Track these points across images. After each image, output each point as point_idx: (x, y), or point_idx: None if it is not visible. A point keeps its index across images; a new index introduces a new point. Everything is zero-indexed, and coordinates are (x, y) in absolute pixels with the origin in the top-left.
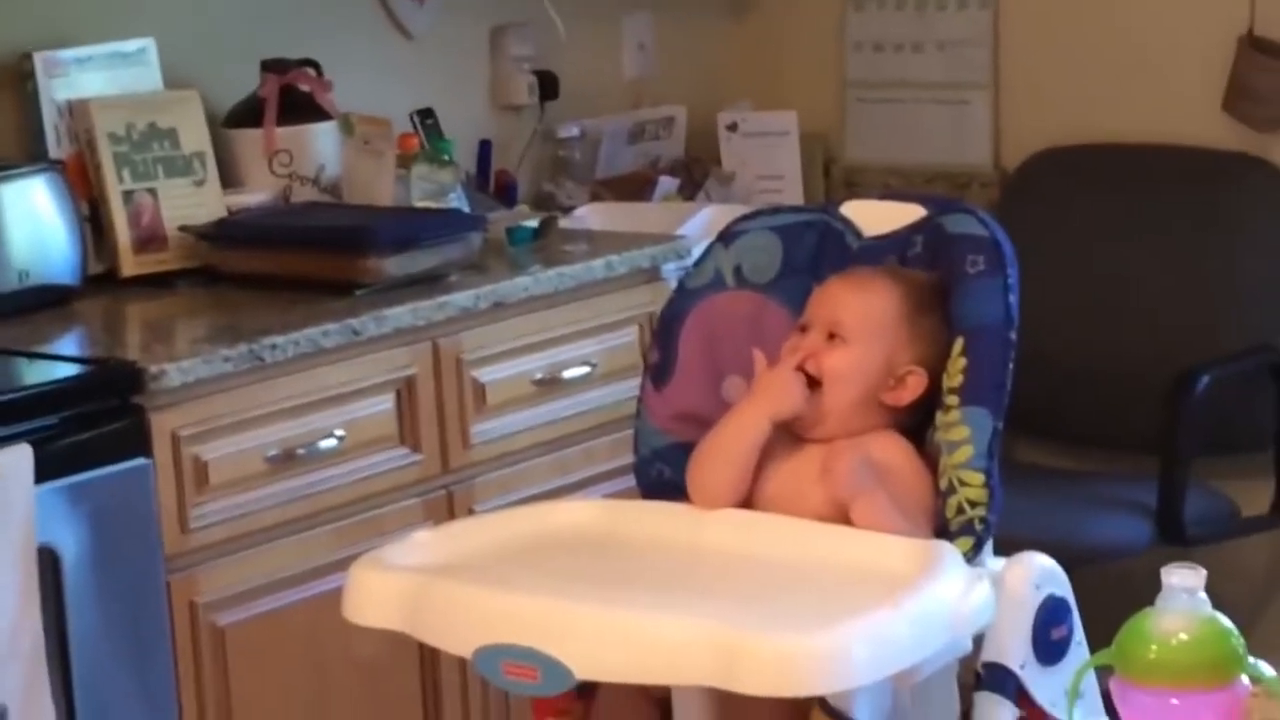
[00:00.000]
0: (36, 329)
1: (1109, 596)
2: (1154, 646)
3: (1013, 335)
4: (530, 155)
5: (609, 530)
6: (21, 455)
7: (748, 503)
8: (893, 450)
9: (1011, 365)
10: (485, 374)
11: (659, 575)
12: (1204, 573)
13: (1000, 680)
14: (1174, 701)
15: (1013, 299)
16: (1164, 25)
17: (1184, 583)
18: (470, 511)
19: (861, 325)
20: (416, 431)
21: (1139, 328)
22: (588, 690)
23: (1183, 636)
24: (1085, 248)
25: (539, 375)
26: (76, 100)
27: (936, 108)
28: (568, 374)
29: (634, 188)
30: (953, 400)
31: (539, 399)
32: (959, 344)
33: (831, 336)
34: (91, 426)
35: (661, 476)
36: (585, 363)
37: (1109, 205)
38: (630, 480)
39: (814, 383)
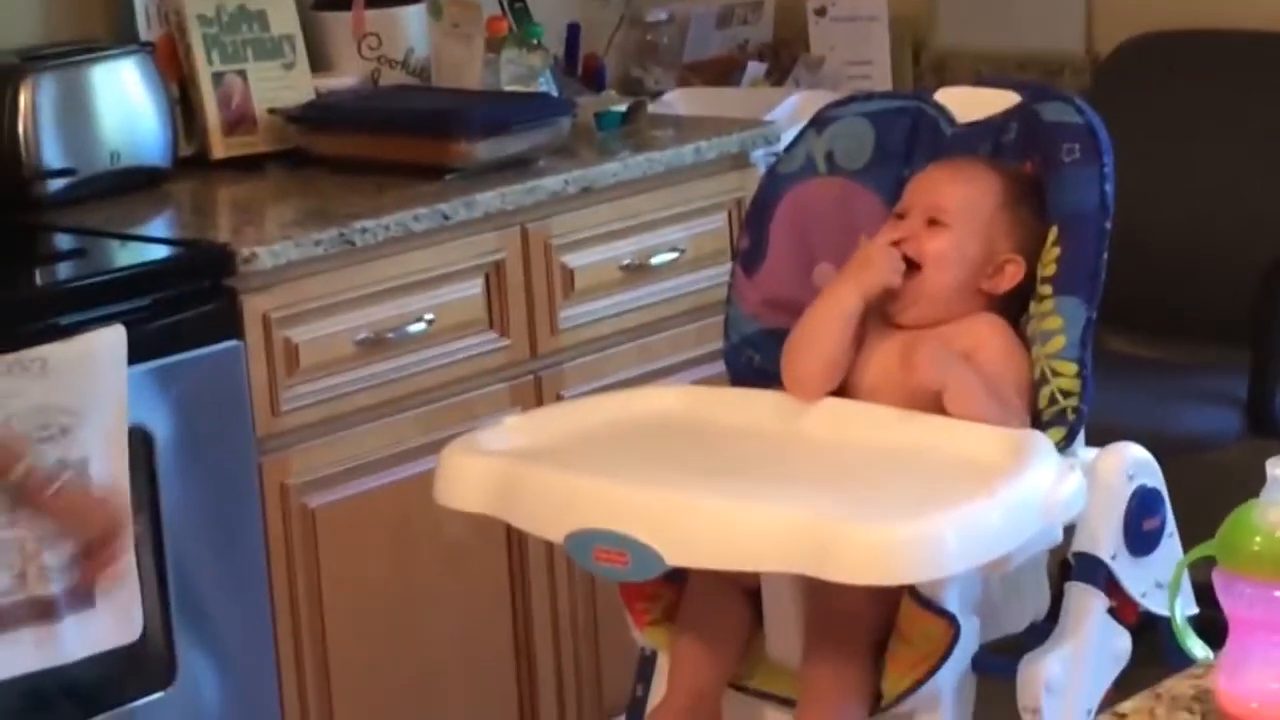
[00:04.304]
0: (128, 210)
1: (1200, 488)
2: (1258, 539)
3: (1107, 225)
4: (618, 39)
5: (699, 417)
6: (115, 336)
7: (841, 391)
8: (988, 336)
9: (1105, 255)
10: (573, 259)
11: (749, 463)
12: None
13: (1091, 570)
14: (1278, 594)
15: (1108, 188)
16: None
17: None
18: (558, 397)
19: (962, 211)
20: (505, 316)
21: (1233, 218)
22: (677, 577)
23: None
24: (1179, 136)
25: (627, 261)
26: None
27: None
28: (656, 260)
29: (722, 72)
30: (1046, 290)
31: (627, 284)
32: (1054, 233)
33: (931, 223)
34: (183, 308)
35: (752, 363)
36: (673, 248)
37: (1205, 93)
38: (717, 366)
39: (913, 267)
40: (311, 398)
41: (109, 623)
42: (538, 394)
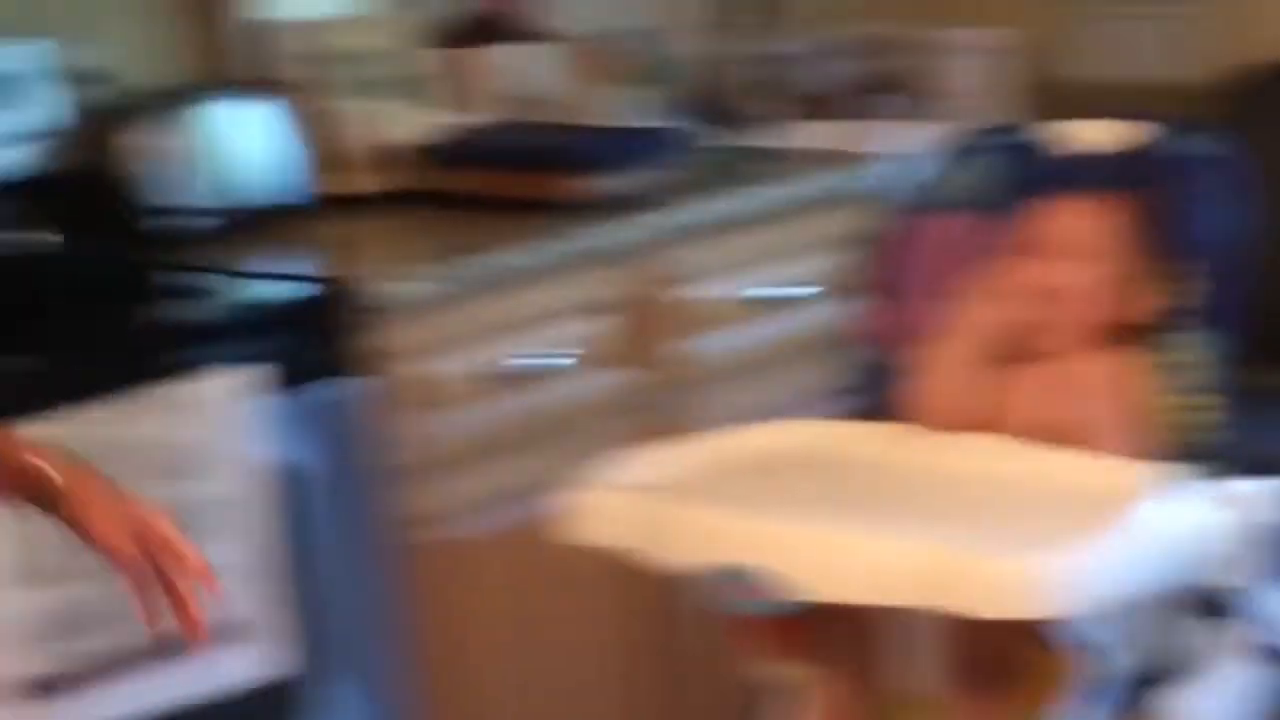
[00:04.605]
0: (260, 249)
1: None
2: None
3: (1246, 256)
4: (742, 73)
5: (828, 450)
6: (253, 374)
7: (970, 424)
8: (1119, 369)
9: (1246, 287)
10: (697, 293)
11: (879, 496)
12: None
13: (1234, 605)
14: None
15: (1248, 219)
16: None
17: None
18: (682, 432)
19: (1093, 244)
20: (634, 351)
21: None
22: (810, 611)
23: None
24: None
25: (751, 294)
26: (304, 21)
27: (1157, 21)
28: (780, 293)
29: (843, 105)
30: (1184, 322)
31: (750, 318)
32: (1190, 265)
33: (1061, 256)
34: (323, 344)
35: (879, 396)
36: (798, 282)
37: None
38: (844, 400)
39: (1043, 300)
40: (447, 432)
41: (258, 657)
42: (664, 429)
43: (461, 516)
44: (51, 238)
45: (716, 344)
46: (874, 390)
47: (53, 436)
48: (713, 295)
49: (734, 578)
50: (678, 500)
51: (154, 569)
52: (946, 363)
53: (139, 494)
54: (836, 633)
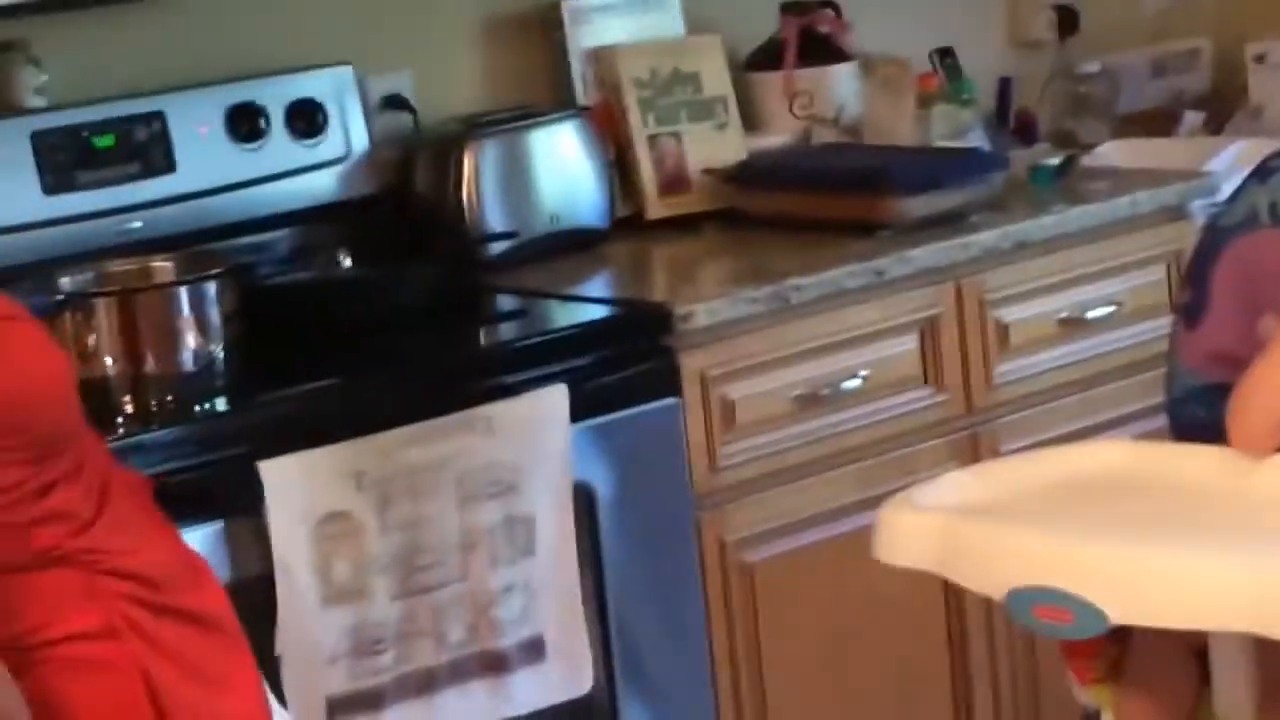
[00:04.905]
0: (567, 271)
1: None
2: None
3: None
4: (1050, 92)
5: (1142, 472)
6: (558, 395)
7: None
8: None
9: None
10: (1009, 314)
11: (1195, 518)
12: None
13: None
14: None
15: None
16: None
17: None
18: (995, 453)
19: None
20: (940, 372)
21: None
22: (1121, 635)
23: None
24: None
25: (1063, 315)
26: (602, 47)
27: None
28: (1092, 314)
29: (1157, 123)
30: None
31: (1063, 339)
32: None
33: None
34: (622, 367)
35: (1196, 418)
36: (1111, 302)
37: None
38: (1159, 420)
39: None
40: (748, 454)
41: (560, 676)
42: (974, 450)
43: (764, 538)
44: (364, 263)
45: (1032, 364)
46: (1192, 410)
47: (375, 456)
48: (1028, 315)
49: (1047, 601)
50: (989, 521)
51: None
52: (1266, 382)
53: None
54: (1149, 655)
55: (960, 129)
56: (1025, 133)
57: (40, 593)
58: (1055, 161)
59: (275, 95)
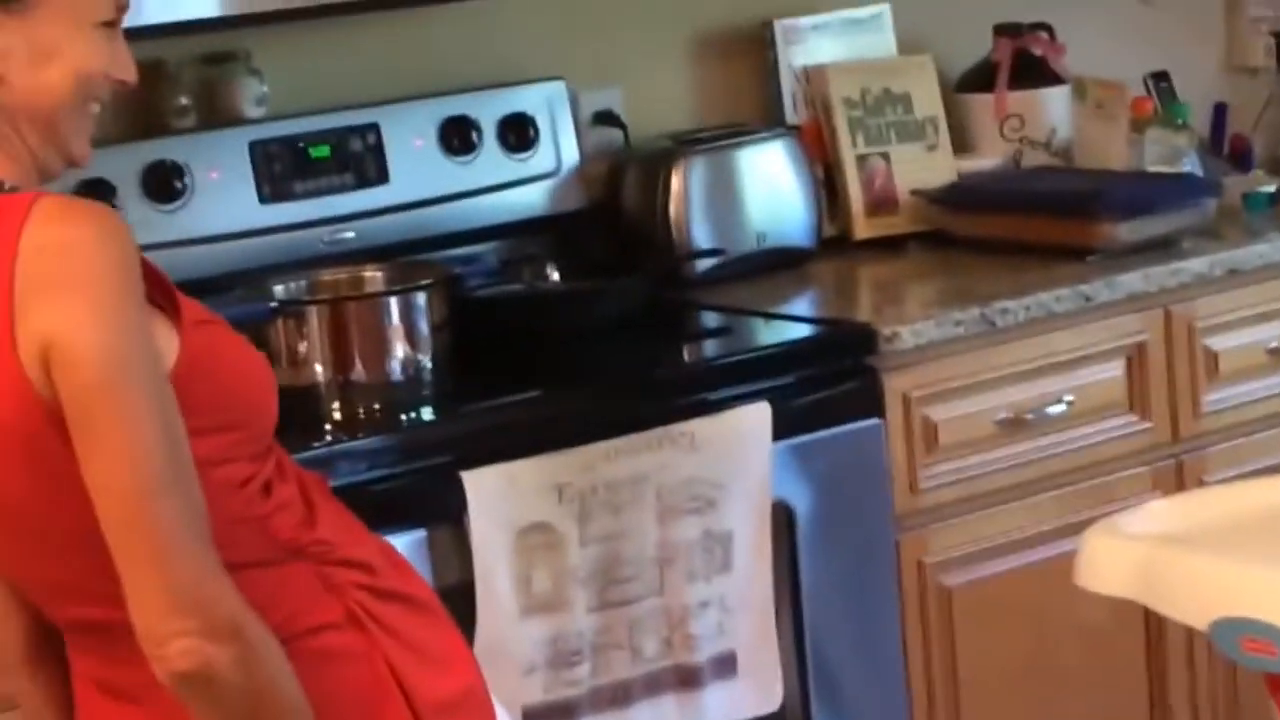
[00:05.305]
0: (772, 290)
1: None
2: None
3: None
4: (1267, 118)
5: None
6: (761, 412)
7: None
8: None
9: None
10: (1218, 342)
11: None
12: None
13: None
14: None
15: None
16: None
17: None
18: (1201, 482)
19: None
20: (1146, 399)
21: None
22: None
23: None
24: None
25: (1275, 344)
26: (813, 66)
27: None
28: None
29: None
30: None
31: (1274, 369)
32: None
33: None
34: (826, 386)
35: None
36: None
37: None
38: None
39: None
40: (950, 477)
41: (751, 692)
42: (1179, 478)
43: (965, 561)
44: (572, 276)
45: (1241, 393)
46: None
47: (577, 468)
48: (1238, 344)
49: (1252, 632)
50: (1195, 551)
51: None
52: None
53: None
54: None
55: (1174, 154)
56: (1240, 159)
57: (286, 586)
58: (1270, 189)
59: (488, 109)
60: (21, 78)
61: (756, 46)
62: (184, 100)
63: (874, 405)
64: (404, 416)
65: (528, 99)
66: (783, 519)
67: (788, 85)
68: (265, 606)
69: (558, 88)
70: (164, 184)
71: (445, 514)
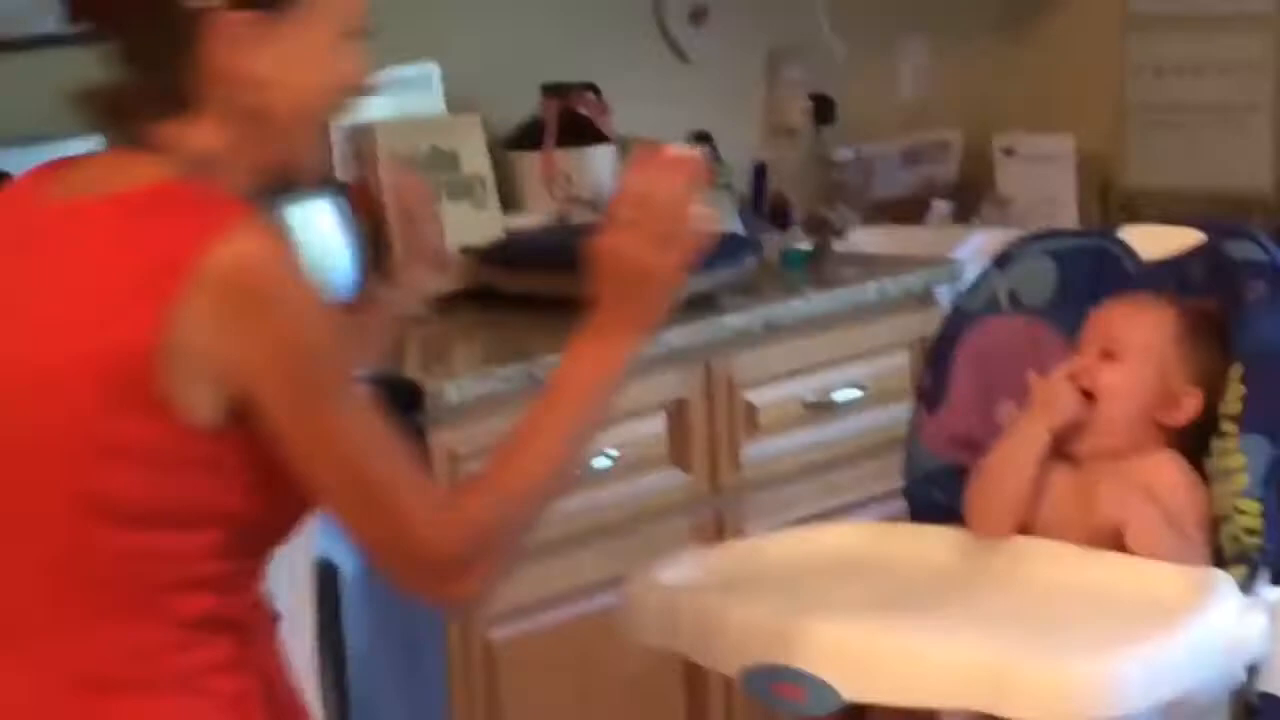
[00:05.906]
0: None
1: None
2: None
3: None
4: (805, 178)
5: (880, 553)
6: None
7: (1021, 528)
8: (1168, 471)
9: None
10: (757, 396)
11: (929, 599)
12: None
13: (1277, 712)
14: None
15: None
16: None
17: None
18: (739, 533)
19: (1136, 343)
20: (687, 453)
21: None
22: (855, 712)
23: None
24: None
25: (810, 398)
26: (361, 124)
27: (1217, 131)
28: (839, 397)
29: (908, 211)
30: (1230, 428)
31: (810, 422)
32: (1238, 371)
33: (1105, 355)
34: None
35: (933, 500)
36: (857, 386)
37: None
38: (900, 503)
39: (1088, 398)
40: None
41: None
42: (719, 530)
43: (510, 615)
44: None
45: (778, 446)
46: (930, 492)
47: None
48: (774, 398)
49: (781, 678)
50: (727, 599)
51: None
52: (1003, 467)
53: None
54: None
55: (713, 213)
56: (779, 218)
57: None
58: (807, 247)
59: None
60: (284, 84)
61: None
62: None
63: (421, 463)
64: None
65: None
66: (325, 577)
67: (336, 142)
68: None
69: None
70: None
71: None
